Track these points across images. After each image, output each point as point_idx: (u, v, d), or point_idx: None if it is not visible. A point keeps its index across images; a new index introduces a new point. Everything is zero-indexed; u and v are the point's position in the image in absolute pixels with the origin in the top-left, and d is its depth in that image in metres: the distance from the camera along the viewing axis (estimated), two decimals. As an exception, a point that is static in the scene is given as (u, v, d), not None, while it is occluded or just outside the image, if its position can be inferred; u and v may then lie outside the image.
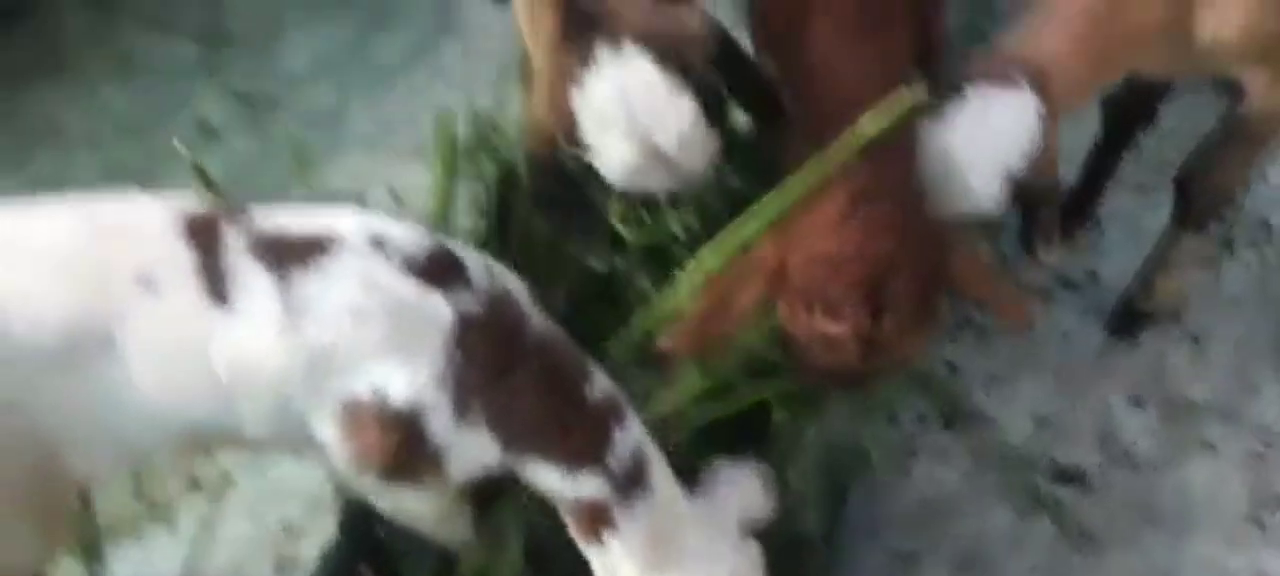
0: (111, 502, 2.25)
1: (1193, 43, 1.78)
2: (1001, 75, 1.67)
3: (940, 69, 1.75)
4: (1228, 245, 2.55)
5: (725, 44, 1.61)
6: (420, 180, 2.86)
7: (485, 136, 2.11)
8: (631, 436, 1.50)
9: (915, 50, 1.77)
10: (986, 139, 1.66)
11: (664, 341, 1.67)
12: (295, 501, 2.26)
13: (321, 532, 2.09)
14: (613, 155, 1.53)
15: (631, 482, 1.48)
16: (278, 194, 2.80)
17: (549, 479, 1.48)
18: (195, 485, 2.30)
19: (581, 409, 1.48)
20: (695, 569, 1.51)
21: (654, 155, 1.53)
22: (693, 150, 1.53)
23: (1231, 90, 1.95)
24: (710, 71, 1.55)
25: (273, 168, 2.97)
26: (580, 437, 1.47)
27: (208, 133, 3.05)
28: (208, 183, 1.91)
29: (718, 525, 1.55)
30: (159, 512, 2.26)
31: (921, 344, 1.67)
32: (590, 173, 1.68)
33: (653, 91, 1.49)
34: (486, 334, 1.43)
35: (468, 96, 1.99)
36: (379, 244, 1.41)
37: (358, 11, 3.37)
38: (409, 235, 1.45)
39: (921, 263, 1.61)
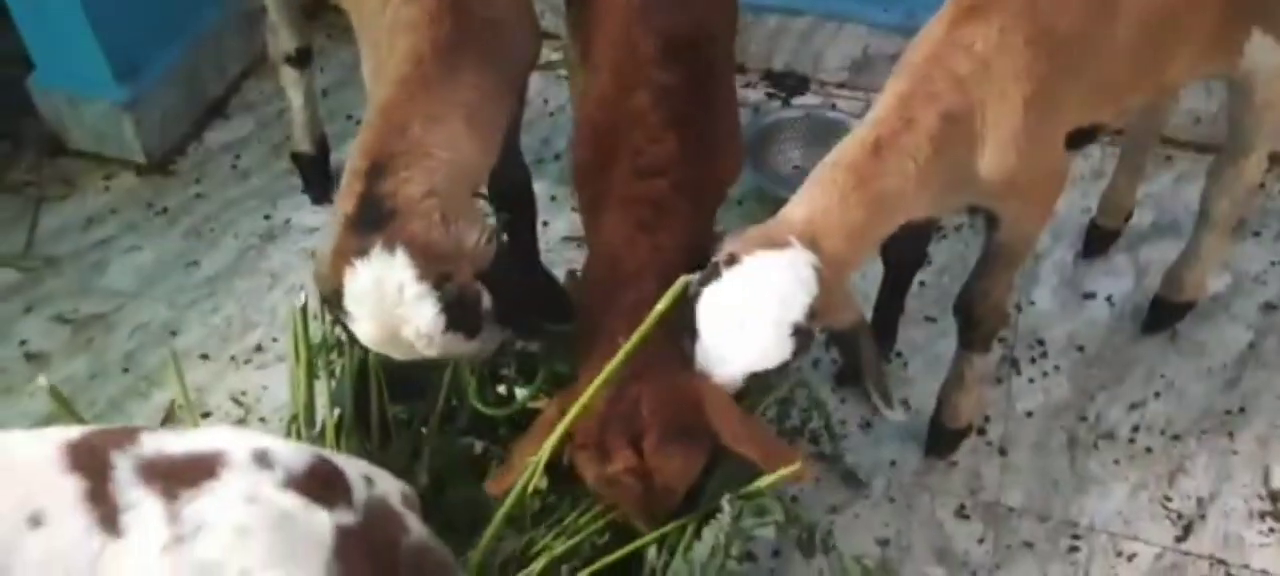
0: None
1: (959, 187, 2.00)
2: (771, 241, 1.82)
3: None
4: (1012, 363, 2.88)
5: (500, 261, 1.88)
6: (262, 384, 2.89)
7: (332, 331, 2.17)
8: None
9: (692, 244, 2.02)
10: (763, 295, 1.79)
11: (487, 486, 1.95)
12: None
13: None
14: (360, 330, 1.82)
15: None
16: (116, 414, 2.78)
17: None
18: None
19: None
20: None
21: (397, 340, 1.80)
22: (435, 345, 1.80)
23: (988, 221, 2.22)
24: (473, 283, 1.81)
25: (107, 388, 2.90)
26: None
27: (36, 359, 2.96)
28: (66, 405, 1.89)
29: None
30: None
31: (689, 466, 1.86)
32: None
33: (402, 293, 1.75)
34: (365, 545, 1.45)
35: (304, 296, 2.07)
36: (263, 460, 1.44)
37: (180, 226, 3.38)
38: (290, 450, 1.49)
39: (669, 397, 1.83)
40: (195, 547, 1.35)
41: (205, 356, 2.99)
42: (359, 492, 1.49)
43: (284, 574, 1.37)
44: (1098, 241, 3.17)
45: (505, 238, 1.94)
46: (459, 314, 1.79)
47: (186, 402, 2.11)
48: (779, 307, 1.78)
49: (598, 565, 1.95)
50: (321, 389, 2.13)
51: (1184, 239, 2.83)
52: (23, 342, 3.02)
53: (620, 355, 1.79)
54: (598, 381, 1.80)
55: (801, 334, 1.80)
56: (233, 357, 2.99)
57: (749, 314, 1.80)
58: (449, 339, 1.79)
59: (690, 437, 1.84)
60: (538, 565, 1.95)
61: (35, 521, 1.32)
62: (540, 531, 2.01)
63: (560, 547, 1.98)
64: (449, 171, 1.86)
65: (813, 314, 1.80)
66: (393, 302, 1.75)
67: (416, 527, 1.55)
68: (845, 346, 2.01)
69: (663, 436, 1.82)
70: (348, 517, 1.45)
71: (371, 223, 1.77)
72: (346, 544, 1.43)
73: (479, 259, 1.83)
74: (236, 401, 2.85)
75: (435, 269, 1.76)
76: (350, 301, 1.78)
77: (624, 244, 2.00)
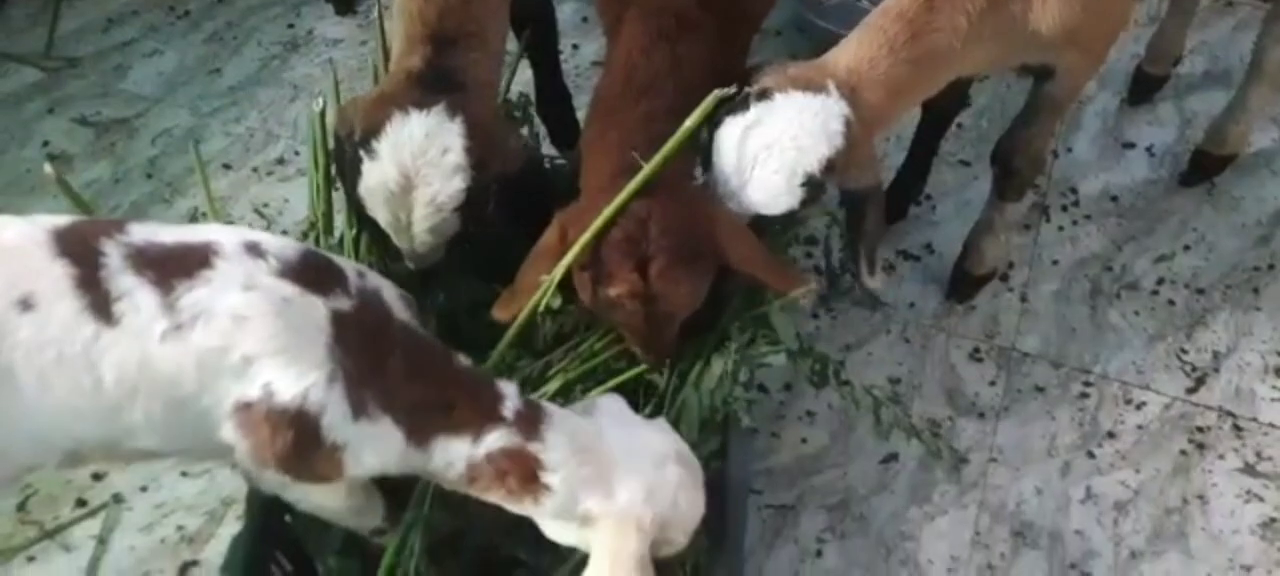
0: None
1: (1011, 44, 1.89)
2: (808, 82, 1.73)
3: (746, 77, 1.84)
4: (1042, 210, 2.83)
5: (528, 170, 1.88)
6: (284, 196, 2.90)
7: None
8: (510, 387, 1.56)
9: (716, 66, 1.91)
10: (783, 139, 1.71)
11: (495, 311, 1.86)
12: (190, 515, 2.24)
13: (221, 540, 2.09)
14: (374, 173, 1.74)
15: (532, 420, 1.52)
16: (138, 218, 2.79)
17: (459, 452, 1.50)
18: (84, 505, 2.25)
19: (462, 379, 1.54)
20: (630, 461, 1.52)
21: (400, 198, 1.75)
22: (433, 220, 1.76)
23: (1037, 72, 2.14)
24: (494, 184, 1.79)
25: (130, 193, 2.91)
26: (472, 401, 1.51)
27: (59, 161, 2.96)
28: (76, 199, 1.89)
29: (623, 419, 1.60)
30: (51, 534, 2.21)
31: (694, 293, 1.78)
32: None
33: (443, 156, 1.72)
34: (360, 328, 1.46)
35: (323, 101, 2.03)
36: (254, 250, 1.44)
37: (202, 31, 3.33)
38: (280, 242, 1.49)
39: (677, 220, 1.73)
40: (195, 335, 1.37)
41: (227, 166, 2.99)
42: (351, 281, 1.50)
43: (289, 357, 1.39)
44: (1144, 88, 3.06)
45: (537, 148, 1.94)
46: (470, 209, 1.77)
47: (213, 210, 2.10)
48: (796, 155, 1.71)
49: (608, 385, 1.95)
50: (340, 198, 2.12)
51: (1234, 90, 2.72)
52: (45, 143, 3.02)
53: (640, 177, 1.72)
54: (613, 207, 1.73)
55: (814, 186, 1.73)
56: (255, 169, 2.98)
57: (765, 155, 1.73)
58: (449, 220, 1.77)
59: (698, 263, 1.77)
60: (552, 386, 1.97)
61: (25, 304, 1.33)
62: (557, 354, 2.02)
63: (575, 371, 1.98)
64: (498, 61, 1.90)
65: (831, 167, 1.72)
66: (428, 160, 1.72)
67: (401, 311, 1.56)
68: (852, 204, 1.94)
69: (670, 262, 1.74)
70: (343, 303, 1.46)
71: (439, 86, 1.76)
72: (343, 328, 1.44)
73: (510, 162, 1.83)
74: (259, 212, 2.85)
75: (478, 154, 1.74)
76: (385, 142, 1.73)
77: (642, 52, 1.90)
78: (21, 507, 2.24)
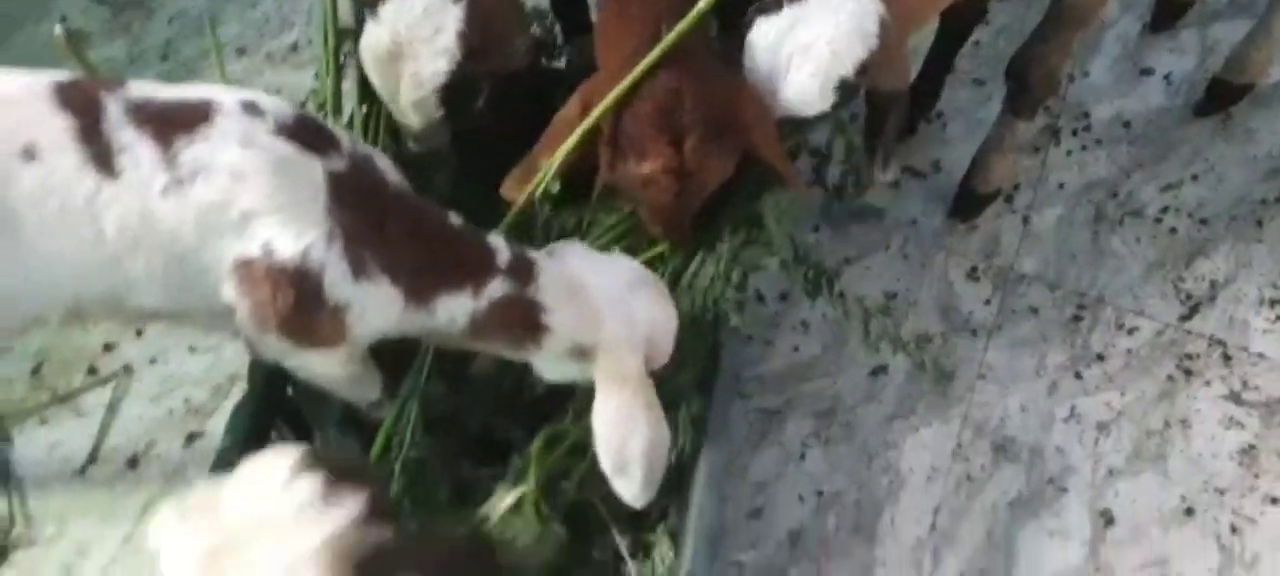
0: (13, 392, 2.29)
1: None
2: None
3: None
4: (1053, 133, 2.82)
5: (526, 74, 1.91)
6: (296, 81, 2.92)
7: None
8: (500, 241, 1.62)
9: None
10: (819, 41, 1.70)
11: (504, 189, 1.85)
12: (196, 388, 2.32)
13: (225, 413, 2.15)
14: (372, 35, 1.77)
15: (525, 269, 1.59)
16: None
17: (462, 306, 1.56)
18: (95, 373, 2.34)
19: (455, 236, 1.59)
20: (608, 293, 1.61)
21: (389, 66, 1.76)
22: (415, 97, 1.78)
23: None
24: (485, 79, 1.81)
25: (144, 73, 2.95)
26: (468, 257, 1.57)
27: (75, 38, 2.98)
28: (89, 67, 1.92)
29: (587, 256, 1.68)
30: (63, 399, 2.29)
31: (724, 169, 1.77)
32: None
33: (436, 35, 1.72)
34: (356, 189, 1.50)
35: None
36: (252, 110, 1.47)
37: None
38: (276, 103, 1.51)
39: (709, 94, 1.71)
40: (195, 190, 1.40)
41: (242, 51, 3.01)
42: (345, 145, 1.53)
43: (288, 215, 1.43)
44: (1167, 14, 3.01)
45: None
46: (455, 96, 1.79)
47: (229, 91, 2.13)
48: (831, 59, 1.70)
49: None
50: (350, 78, 2.13)
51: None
52: (63, 19, 3.04)
53: (665, 41, 1.69)
54: (638, 72, 1.69)
55: (847, 88, 1.72)
56: (269, 54, 3.00)
57: (800, 58, 1.71)
58: (430, 100, 1.79)
59: (729, 139, 1.74)
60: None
61: (28, 154, 1.37)
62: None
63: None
64: None
65: (864, 69, 1.71)
66: (420, 35, 1.74)
67: (394, 176, 1.60)
68: (876, 104, 1.92)
69: (704, 136, 1.70)
70: (338, 164, 1.50)
71: None
72: (340, 189, 1.48)
73: (510, 59, 1.85)
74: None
75: (473, 42, 1.75)
76: (388, 7, 1.75)
77: None
78: (36, 373, 2.33)
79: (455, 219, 1.61)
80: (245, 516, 1.19)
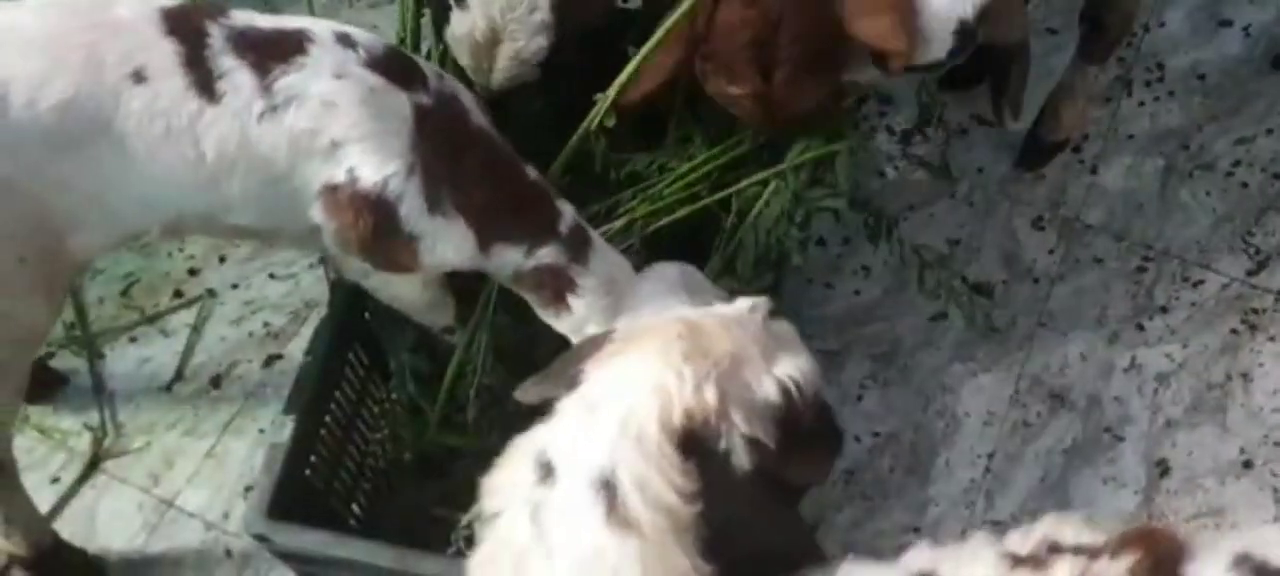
0: (104, 311, 2.42)
1: None
2: None
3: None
4: (1125, 84, 2.78)
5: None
6: (372, 21, 2.97)
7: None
8: (568, 208, 1.65)
9: None
10: None
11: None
12: (276, 313, 2.42)
13: (303, 338, 2.26)
14: (462, 22, 1.77)
15: (580, 244, 1.63)
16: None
17: (512, 259, 1.62)
18: (181, 296, 2.45)
19: (527, 189, 1.63)
20: (645, 306, 1.60)
21: (484, 47, 1.77)
22: (509, 72, 1.78)
23: None
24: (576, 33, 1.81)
25: (232, 4, 3.01)
26: (533, 214, 1.61)
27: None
28: None
29: (663, 280, 1.68)
30: (151, 319, 2.42)
31: (814, 100, 1.76)
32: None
33: (532, 15, 1.72)
34: (439, 125, 1.55)
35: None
36: (346, 41, 1.53)
37: None
38: (369, 36, 1.57)
39: (806, 22, 1.69)
40: (288, 117, 1.48)
41: (325, -9, 3.06)
42: (432, 81, 1.59)
43: (373, 145, 1.50)
44: (1248, -37, 2.94)
45: None
46: (550, 55, 1.80)
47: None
48: (950, 2, 1.66)
49: (672, 217, 2.01)
50: (427, 18, 2.18)
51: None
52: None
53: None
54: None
55: (966, 34, 1.68)
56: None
57: (919, 1, 1.65)
58: (529, 71, 1.81)
59: (822, 73, 1.73)
60: (618, 223, 2.04)
61: (138, 77, 1.44)
62: (625, 195, 2.09)
63: (642, 211, 2.05)
64: None
65: (984, 16, 1.66)
66: (517, 17, 1.74)
67: (478, 115, 1.65)
68: (994, 57, 1.89)
69: (795, 71, 1.69)
70: (424, 99, 1.56)
71: None
72: (424, 123, 1.54)
73: (593, 12, 1.86)
74: (348, 35, 2.93)
75: (563, 8, 1.76)
76: None
77: None
78: (125, 294, 2.45)
79: (531, 172, 1.66)
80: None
